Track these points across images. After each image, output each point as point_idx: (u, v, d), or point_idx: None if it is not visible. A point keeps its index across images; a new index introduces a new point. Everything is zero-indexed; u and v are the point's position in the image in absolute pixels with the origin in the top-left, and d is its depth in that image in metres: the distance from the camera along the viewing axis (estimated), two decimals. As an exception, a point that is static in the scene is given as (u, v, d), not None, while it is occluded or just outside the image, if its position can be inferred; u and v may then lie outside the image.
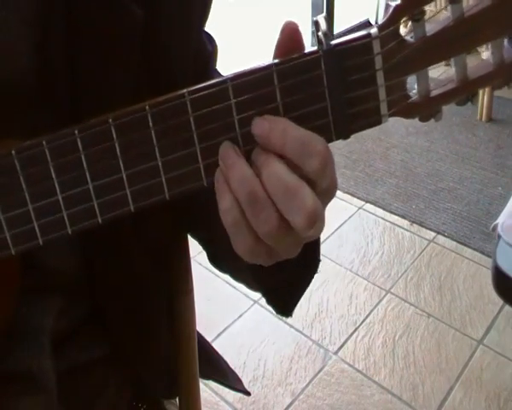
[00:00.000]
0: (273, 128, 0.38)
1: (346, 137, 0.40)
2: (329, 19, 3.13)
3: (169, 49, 0.53)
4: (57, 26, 0.47)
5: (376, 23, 0.39)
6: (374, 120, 0.40)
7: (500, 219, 1.22)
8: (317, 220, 0.37)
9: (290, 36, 0.38)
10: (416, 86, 0.40)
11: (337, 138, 0.40)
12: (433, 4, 0.39)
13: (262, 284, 0.54)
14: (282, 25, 0.38)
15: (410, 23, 0.39)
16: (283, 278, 0.50)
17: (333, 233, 2.10)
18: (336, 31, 3.19)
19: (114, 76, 0.49)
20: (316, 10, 3.13)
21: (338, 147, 2.46)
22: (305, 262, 0.51)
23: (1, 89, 0.46)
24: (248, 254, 0.41)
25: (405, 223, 2.16)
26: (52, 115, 0.47)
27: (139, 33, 0.49)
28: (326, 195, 0.39)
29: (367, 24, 0.41)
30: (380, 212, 2.21)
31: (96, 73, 0.48)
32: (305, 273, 0.54)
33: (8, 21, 0.46)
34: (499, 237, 1.20)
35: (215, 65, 0.62)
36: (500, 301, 1.75)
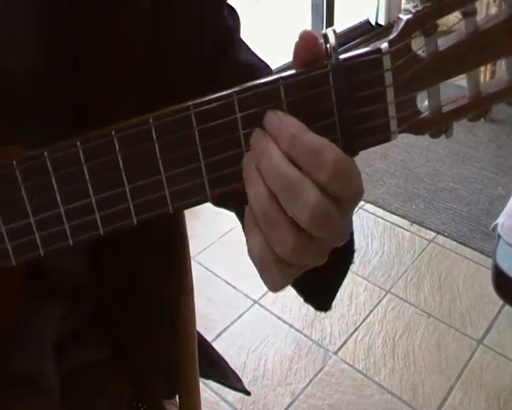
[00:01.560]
0: (282, 130, 0.36)
1: (353, 153, 0.39)
2: (329, 18, 3.13)
3: (175, 42, 0.52)
4: (62, 22, 0.47)
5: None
6: (383, 136, 0.39)
7: (500, 219, 1.22)
8: (322, 217, 0.36)
9: (307, 46, 0.37)
10: (426, 102, 0.39)
11: None
12: (445, 18, 0.38)
13: (298, 282, 0.53)
14: (300, 33, 0.37)
15: (422, 37, 0.38)
16: (317, 273, 0.49)
17: (333, 233, 2.10)
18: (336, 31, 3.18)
19: (120, 71, 0.49)
20: (316, 10, 3.12)
21: (338, 147, 2.45)
22: (339, 254, 0.50)
23: (6, 85, 0.46)
24: (284, 283, 0.40)
25: (405, 223, 2.16)
26: (57, 112, 0.47)
27: (145, 27, 0.49)
28: (350, 202, 0.38)
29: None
30: (380, 212, 2.21)
31: (101, 67, 0.48)
32: (340, 266, 0.52)
33: (13, 18, 0.46)
34: (499, 237, 1.20)
35: (239, 35, 0.60)
36: (500, 301, 1.75)
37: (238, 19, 0.61)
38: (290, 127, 0.36)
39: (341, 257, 0.49)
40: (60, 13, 0.46)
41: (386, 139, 0.39)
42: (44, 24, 0.46)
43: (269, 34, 3.44)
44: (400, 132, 0.39)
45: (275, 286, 0.40)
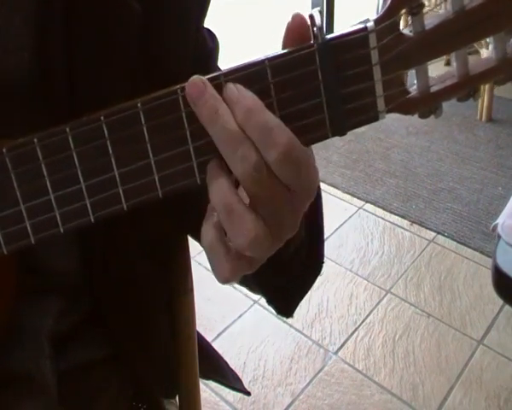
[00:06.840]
0: (239, 102, 0.36)
1: (342, 133, 0.39)
2: (329, 18, 3.13)
3: (167, 44, 0.53)
4: (56, 23, 0.47)
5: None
6: (370, 116, 0.39)
7: (500, 219, 1.22)
8: (256, 245, 0.36)
9: (299, 28, 0.37)
10: (415, 81, 0.39)
11: (333, 135, 0.39)
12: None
13: (263, 286, 0.54)
14: (292, 15, 0.37)
15: (408, 16, 0.38)
16: (285, 280, 0.50)
17: (333, 233, 2.10)
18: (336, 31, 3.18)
19: (113, 72, 0.49)
20: (316, 10, 3.12)
21: (337, 147, 2.46)
22: (308, 263, 0.50)
23: (0, 87, 0.46)
24: (231, 273, 0.40)
25: (405, 223, 2.16)
26: (51, 112, 0.47)
27: (137, 29, 0.49)
28: (301, 194, 0.38)
29: (366, 23, 0.40)
30: (380, 212, 2.21)
31: (95, 68, 0.48)
32: (308, 274, 0.53)
33: (8, 18, 0.46)
34: (499, 237, 1.20)
35: (217, 61, 0.61)
36: (500, 301, 1.75)
37: (217, 44, 0.61)
38: (247, 99, 0.36)
39: (310, 264, 0.50)
40: (54, 13, 0.47)
41: (374, 118, 0.39)
42: (39, 24, 0.47)
43: (269, 34, 3.45)
44: (388, 112, 0.39)
45: (224, 277, 0.40)
